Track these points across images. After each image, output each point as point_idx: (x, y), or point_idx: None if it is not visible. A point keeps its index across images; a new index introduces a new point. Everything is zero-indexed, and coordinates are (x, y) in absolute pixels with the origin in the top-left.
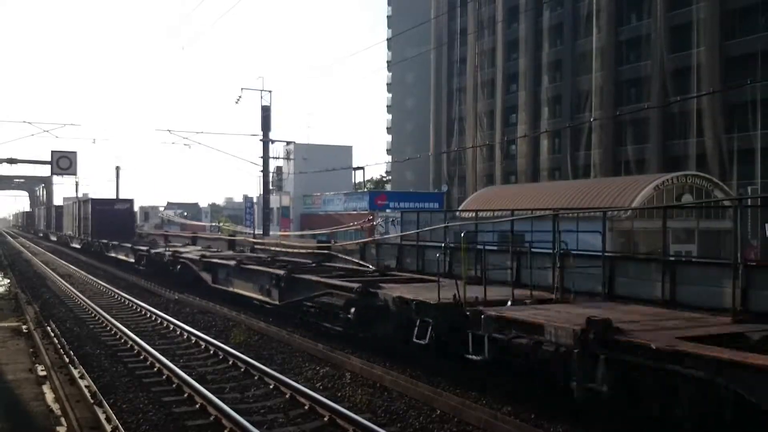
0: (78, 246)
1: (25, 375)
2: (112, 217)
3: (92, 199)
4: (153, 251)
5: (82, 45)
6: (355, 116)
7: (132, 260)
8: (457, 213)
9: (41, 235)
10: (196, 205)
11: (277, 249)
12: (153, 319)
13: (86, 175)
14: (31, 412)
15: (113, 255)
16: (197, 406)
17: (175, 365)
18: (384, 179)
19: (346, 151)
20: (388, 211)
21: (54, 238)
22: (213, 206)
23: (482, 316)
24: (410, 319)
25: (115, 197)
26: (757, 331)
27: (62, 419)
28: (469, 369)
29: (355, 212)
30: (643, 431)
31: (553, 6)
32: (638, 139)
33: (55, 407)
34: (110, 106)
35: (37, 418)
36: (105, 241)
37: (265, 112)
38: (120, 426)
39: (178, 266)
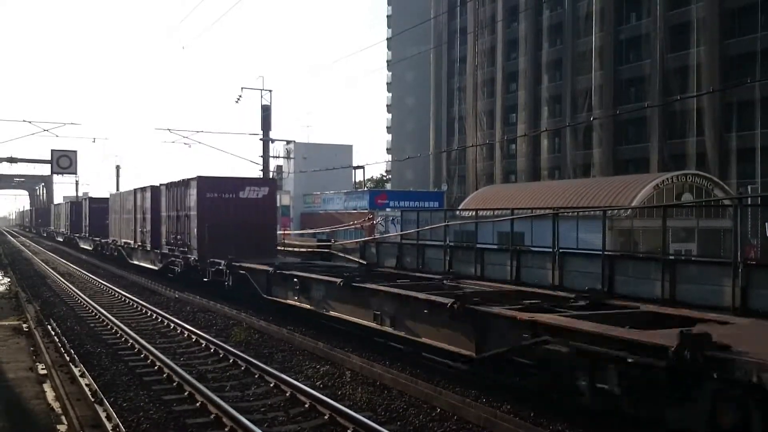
0: (153, 267)
1: (26, 373)
2: (238, 213)
3: (200, 178)
4: None
5: (82, 45)
6: (355, 115)
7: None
8: (457, 212)
9: (61, 239)
10: None
11: (278, 248)
12: (154, 317)
13: (86, 175)
14: (32, 410)
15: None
16: (198, 404)
17: (176, 364)
18: (384, 178)
19: (346, 150)
20: (388, 210)
21: (87, 247)
22: None
23: None
24: None
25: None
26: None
27: (63, 418)
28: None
29: (355, 211)
30: (639, 429)
31: (552, 5)
32: (638, 138)
33: (56, 406)
34: (110, 106)
35: (37, 417)
36: (284, 272)
37: (265, 111)
38: (120, 424)
39: None
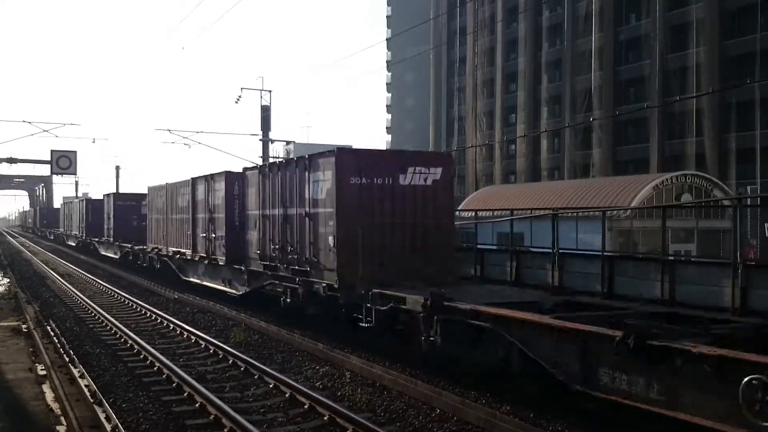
0: (230, 290)
1: (25, 374)
2: (397, 210)
3: (340, 153)
4: None
5: (82, 45)
6: (355, 116)
7: None
8: (457, 212)
9: (73, 244)
10: None
11: None
12: (153, 318)
13: (86, 175)
14: (31, 411)
15: None
16: (197, 405)
17: (175, 364)
18: None
19: None
20: None
21: (111, 254)
22: None
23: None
24: None
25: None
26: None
27: (62, 418)
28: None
29: None
30: (639, 429)
31: (552, 6)
32: (638, 138)
33: (55, 406)
34: (110, 106)
35: (37, 418)
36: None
37: (265, 111)
38: (120, 425)
39: None
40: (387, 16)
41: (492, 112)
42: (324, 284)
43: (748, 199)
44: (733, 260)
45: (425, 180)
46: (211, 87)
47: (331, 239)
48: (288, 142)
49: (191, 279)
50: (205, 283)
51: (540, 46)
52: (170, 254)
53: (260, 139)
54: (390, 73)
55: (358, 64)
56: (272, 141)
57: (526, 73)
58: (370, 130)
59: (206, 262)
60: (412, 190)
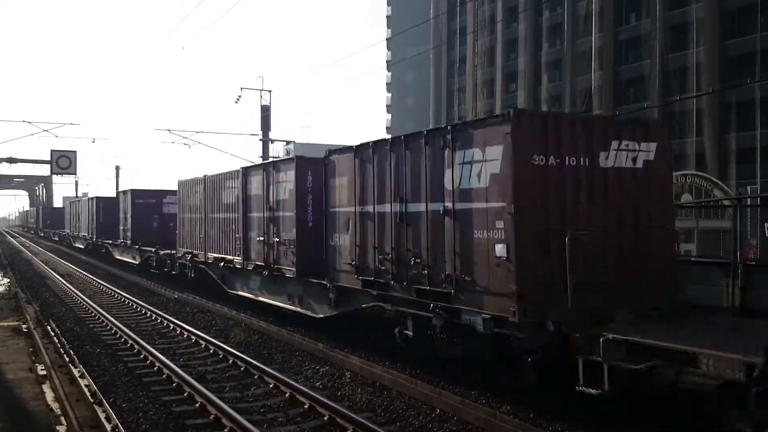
0: (306, 312)
1: (25, 374)
2: (598, 203)
3: (520, 114)
4: None
5: (81, 45)
6: (355, 116)
7: None
8: None
9: (81, 246)
10: None
11: None
12: (153, 318)
13: (86, 175)
14: (31, 411)
15: None
16: (197, 405)
17: (175, 364)
18: None
19: None
20: None
21: (128, 259)
22: None
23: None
24: None
25: None
26: None
27: (62, 418)
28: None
29: None
30: (639, 429)
31: (552, 6)
32: None
33: (55, 406)
34: (110, 106)
35: (37, 417)
36: None
37: (265, 111)
38: (120, 425)
39: None
40: (387, 16)
41: (492, 112)
42: (485, 315)
43: (748, 199)
44: (732, 260)
45: (634, 161)
46: (211, 87)
47: (500, 248)
48: (288, 142)
49: (240, 292)
50: (261, 298)
51: (540, 46)
52: (210, 261)
53: (260, 139)
54: (390, 73)
55: (358, 64)
56: (272, 141)
57: (526, 73)
58: (370, 130)
59: (265, 272)
60: (616, 174)
